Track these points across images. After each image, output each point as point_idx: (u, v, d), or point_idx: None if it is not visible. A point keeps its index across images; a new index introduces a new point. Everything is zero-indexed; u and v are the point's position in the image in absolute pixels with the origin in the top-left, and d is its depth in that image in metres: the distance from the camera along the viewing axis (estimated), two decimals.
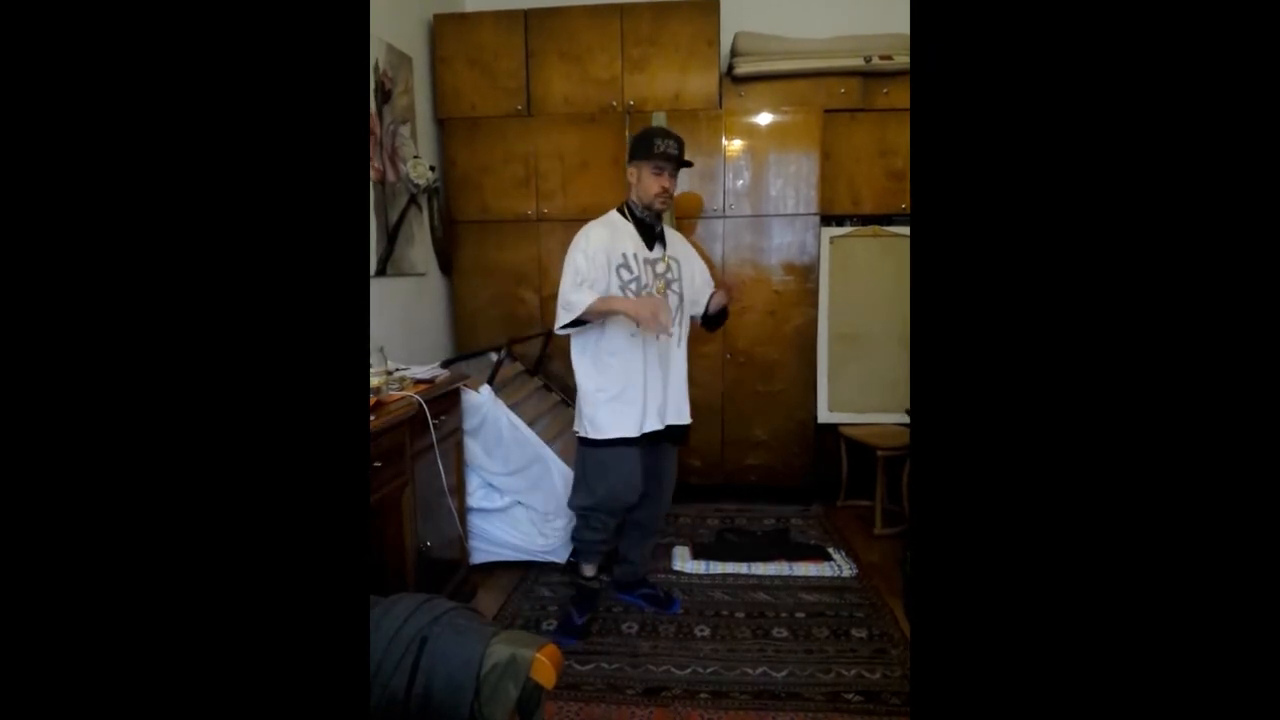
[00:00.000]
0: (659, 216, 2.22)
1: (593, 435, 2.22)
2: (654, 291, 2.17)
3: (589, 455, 2.27)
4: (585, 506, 2.32)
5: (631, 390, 2.17)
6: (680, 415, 2.31)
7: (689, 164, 2.22)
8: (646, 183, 2.16)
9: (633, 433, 2.19)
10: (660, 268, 2.21)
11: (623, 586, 2.52)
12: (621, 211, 2.24)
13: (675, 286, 2.24)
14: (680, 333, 2.26)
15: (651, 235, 2.21)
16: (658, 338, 2.14)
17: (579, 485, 2.34)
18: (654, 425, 2.22)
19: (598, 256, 2.10)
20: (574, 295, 2.04)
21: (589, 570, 2.42)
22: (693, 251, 2.38)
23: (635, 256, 2.15)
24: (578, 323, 2.08)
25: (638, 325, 2.04)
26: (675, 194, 2.24)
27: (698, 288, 2.34)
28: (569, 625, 2.29)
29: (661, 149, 2.12)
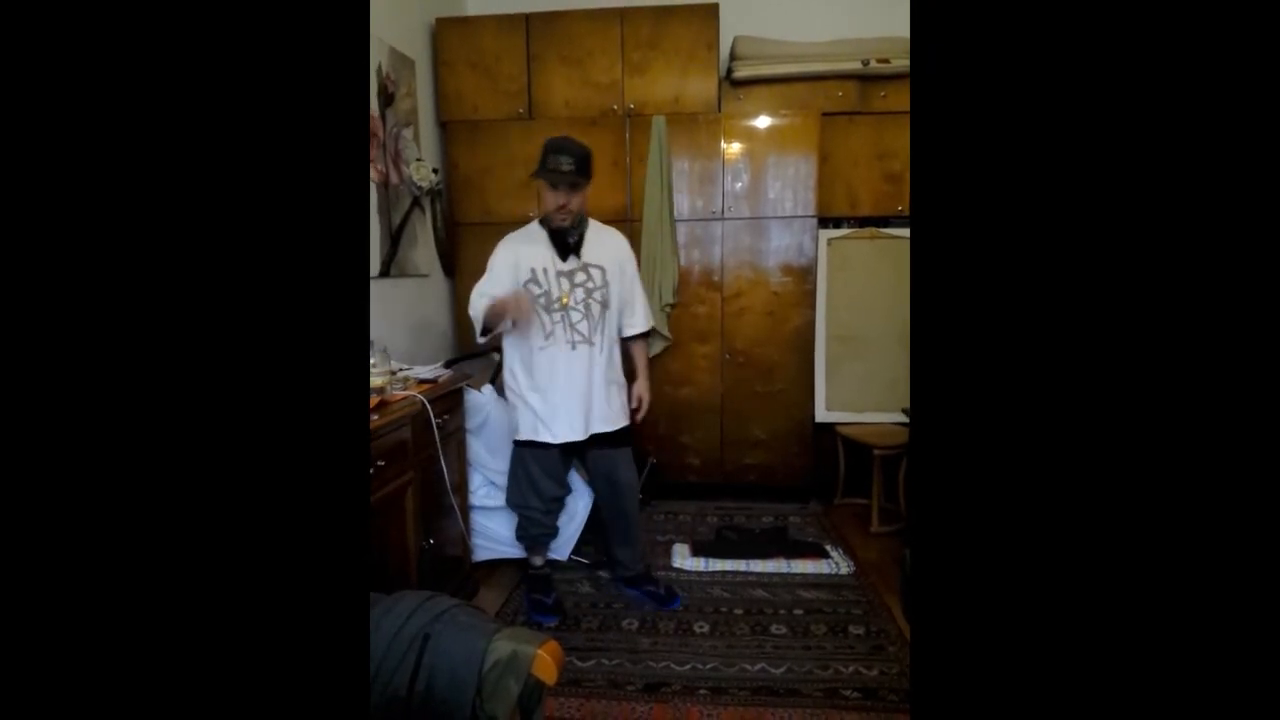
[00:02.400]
0: (573, 228, 2.22)
1: (514, 435, 2.40)
2: (570, 303, 2.22)
3: (514, 452, 2.44)
4: (515, 504, 2.46)
5: (550, 398, 2.26)
6: (606, 423, 2.33)
7: (586, 179, 2.19)
8: (544, 199, 2.20)
9: (547, 439, 2.29)
10: (579, 278, 2.23)
11: (627, 581, 2.55)
12: (541, 222, 2.27)
13: (597, 294, 2.25)
14: (603, 341, 2.28)
15: (566, 245, 2.24)
16: (546, 338, 2.22)
17: (511, 481, 2.48)
18: (573, 435, 2.28)
19: (501, 271, 2.24)
20: (472, 308, 2.21)
21: (538, 560, 2.54)
22: (625, 256, 2.35)
23: (545, 271, 2.22)
24: (488, 331, 2.21)
25: (511, 323, 2.13)
26: (580, 207, 2.21)
27: (625, 291, 2.34)
28: (542, 607, 2.40)
29: (552, 165, 2.13)
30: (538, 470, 2.37)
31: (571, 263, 2.24)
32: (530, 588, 2.51)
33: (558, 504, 2.48)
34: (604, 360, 2.30)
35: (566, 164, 2.13)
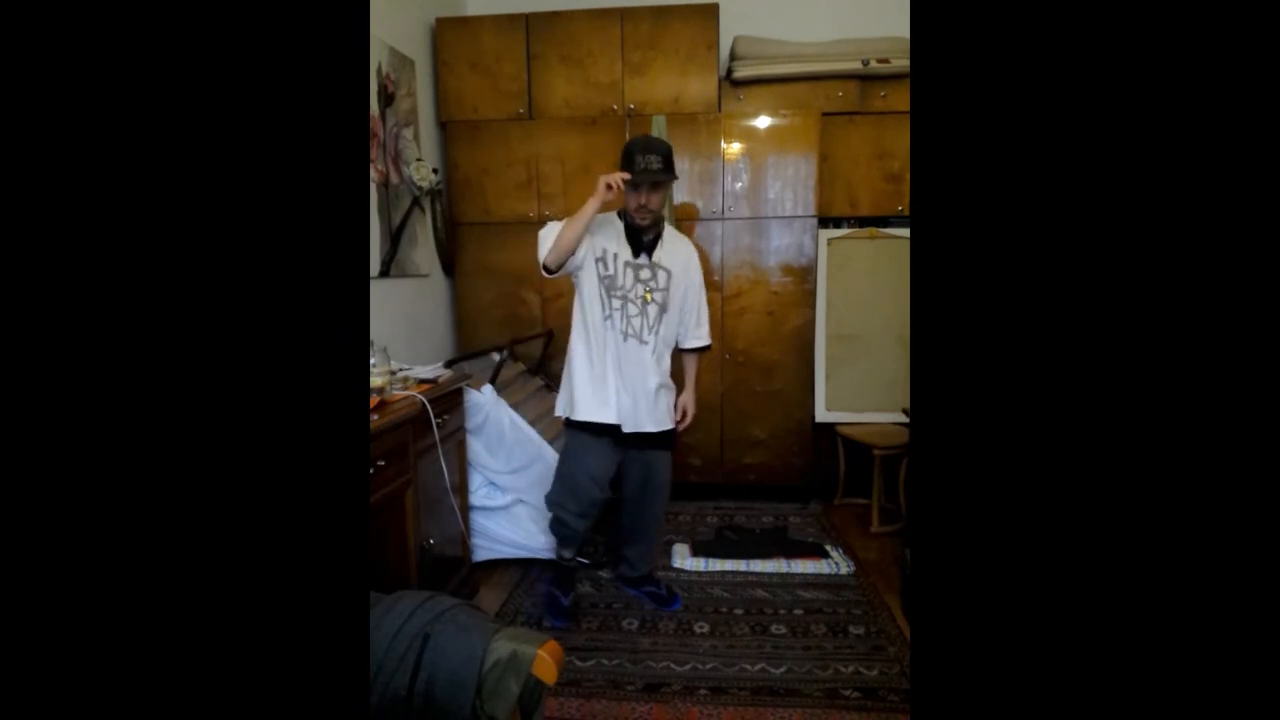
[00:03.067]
0: (650, 227, 2.23)
1: (568, 415, 2.33)
2: (630, 296, 2.22)
3: (566, 444, 2.38)
4: (551, 500, 2.41)
5: (604, 378, 2.25)
6: (653, 423, 2.29)
7: (673, 177, 2.22)
8: (627, 198, 2.19)
9: (601, 418, 2.25)
10: (644, 274, 2.23)
11: (628, 581, 2.56)
12: (620, 213, 2.29)
13: (657, 296, 2.25)
14: (654, 341, 2.26)
15: (639, 243, 2.24)
16: (605, 318, 2.21)
17: (556, 478, 2.43)
18: (614, 419, 2.26)
19: (581, 238, 2.17)
20: (543, 239, 2.17)
21: (567, 553, 2.48)
22: (693, 266, 2.35)
23: (615, 257, 2.22)
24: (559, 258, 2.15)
25: (608, 190, 2.04)
26: (661, 205, 2.21)
27: (686, 305, 2.34)
28: (556, 606, 2.38)
29: (641, 166, 2.13)
30: (582, 471, 2.30)
31: (643, 259, 2.24)
32: (554, 579, 2.48)
33: (593, 509, 2.37)
34: (654, 361, 2.27)
35: (656, 163, 2.13)
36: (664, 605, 2.45)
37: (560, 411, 2.38)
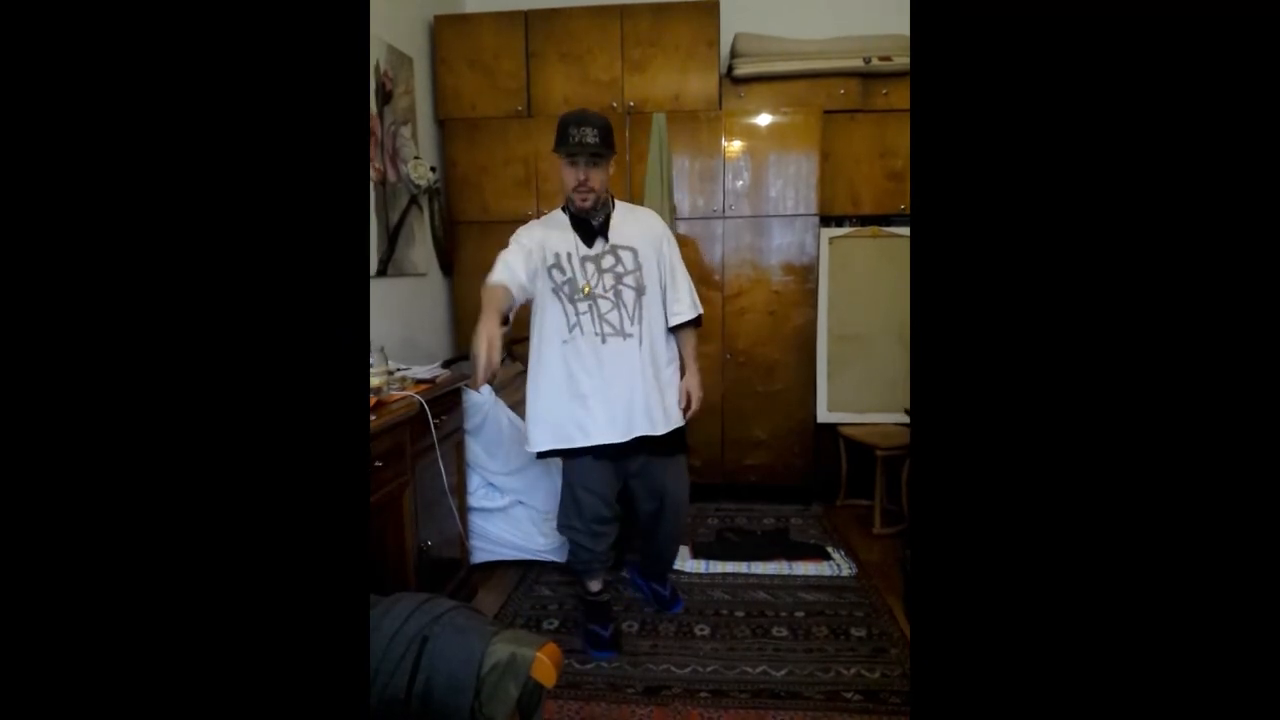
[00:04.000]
0: (597, 209, 2.02)
1: (531, 448, 2.15)
2: (597, 293, 2.01)
3: (563, 466, 2.21)
4: (561, 525, 2.26)
5: (582, 397, 2.04)
6: (653, 425, 2.07)
7: (610, 151, 1.97)
8: (564, 176, 1.99)
9: (581, 442, 2.05)
10: (606, 262, 2.02)
11: (641, 572, 2.49)
12: (564, 208, 2.09)
13: (628, 279, 2.03)
14: (642, 331, 2.05)
15: (590, 230, 2.03)
16: (570, 330, 2.00)
17: (560, 500, 2.26)
18: (612, 437, 2.04)
19: (527, 243, 1.97)
20: (494, 269, 1.90)
21: (594, 586, 2.29)
22: (659, 235, 2.12)
23: (569, 256, 2.01)
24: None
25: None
26: (602, 184, 1.99)
27: (666, 274, 2.12)
28: (599, 641, 2.16)
29: (575, 138, 1.91)
30: (580, 485, 2.12)
31: (598, 246, 2.03)
32: (587, 616, 2.25)
33: (606, 528, 2.19)
34: (646, 354, 2.05)
35: (590, 135, 1.91)
36: (665, 607, 2.42)
37: (536, 447, 2.13)
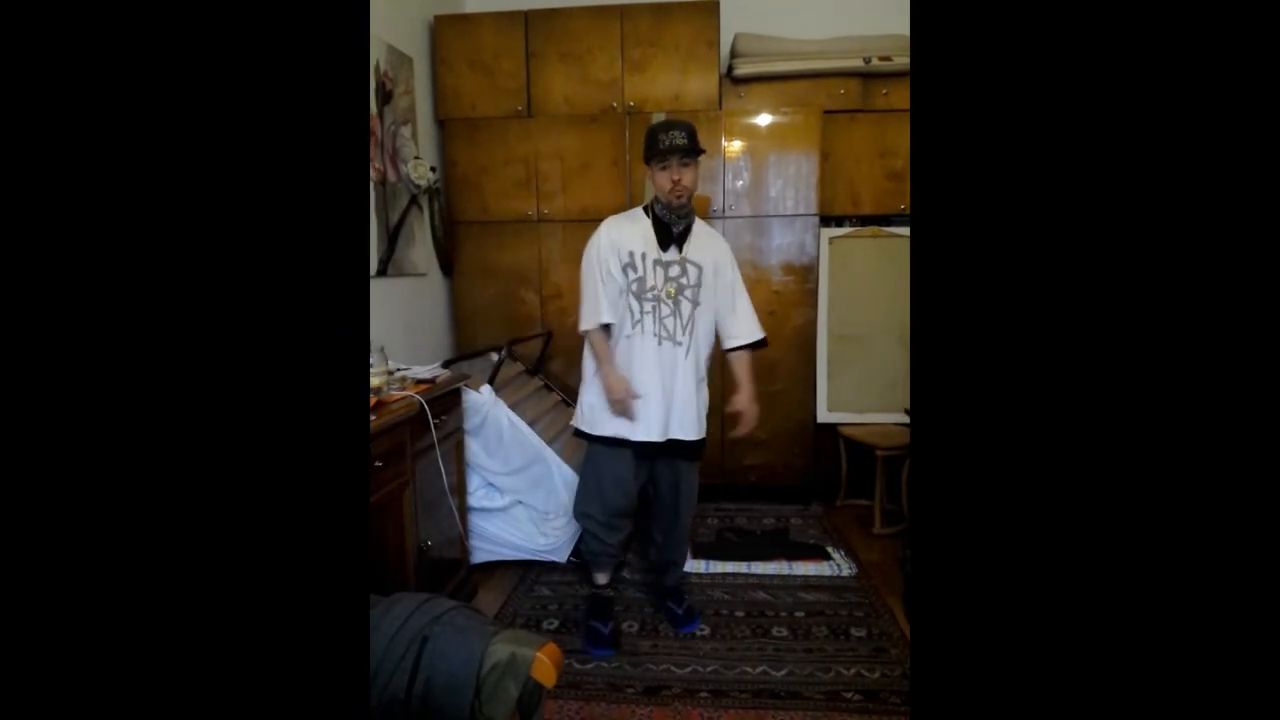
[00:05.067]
0: (681, 217, 2.11)
1: (584, 428, 2.24)
2: (661, 296, 2.10)
3: (589, 452, 2.29)
4: (578, 512, 2.32)
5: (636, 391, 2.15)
6: (686, 431, 2.17)
7: (699, 150, 2.06)
8: (658, 181, 2.07)
9: (625, 435, 2.15)
10: (674, 271, 2.11)
11: (660, 591, 2.45)
12: (646, 209, 2.17)
13: (689, 293, 2.12)
14: (691, 342, 2.14)
15: (669, 236, 2.12)
16: (634, 326, 2.13)
17: (580, 486, 2.35)
18: (651, 435, 2.14)
19: (605, 260, 2.11)
20: (585, 316, 2.14)
21: (601, 579, 2.36)
22: (726, 262, 2.20)
23: (643, 256, 2.10)
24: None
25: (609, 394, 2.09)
26: (694, 183, 2.08)
27: (723, 297, 2.19)
28: (598, 638, 2.20)
29: (666, 144, 2.02)
30: (609, 476, 2.20)
31: (671, 254, 2.12)
32: (589, 612, 2.31)
33: (623, 521, 2.28)
34: (690, 364, 2.14)
35: (680, 137, 2.01)
36: (678, 625, 2.32)
37: (596, 429, 2.21)
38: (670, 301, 2.11)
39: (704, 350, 2.20)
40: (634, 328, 2.12)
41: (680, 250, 2.13)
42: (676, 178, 2.03)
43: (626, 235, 2.12)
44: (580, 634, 2.25)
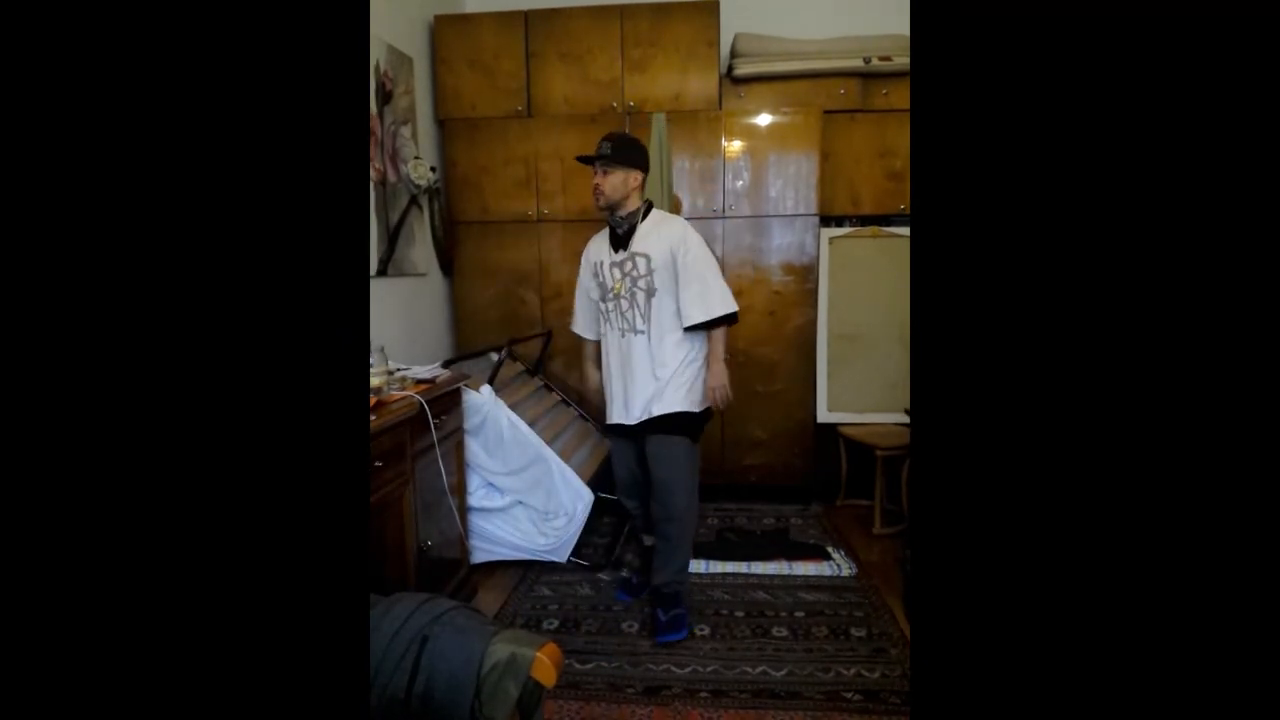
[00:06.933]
0: (622, 219, 2.28)
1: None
2: (620, 293, 2.30)
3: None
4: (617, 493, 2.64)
5: (608, 382, 2.43)
6: (646, 409, 2.27)
7: (619, 159, 2.20)
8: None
9: (610, 420, 2.43)
10: (627, 267, 2.29)
11: (652, 593, 2.41)
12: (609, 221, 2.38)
13: (641, 283, 2.27)
14: (649, 328, 2.28)
15: (617, 239, 2.32)
16: (604, 324, 2.40)
17: None
18: (621, 418, 2.36)
19: (583, 275, 2.47)
20: (575, 313, 2.56)
21: (647, 540, 2.63)
22: (680, 244, 2.23)
23: (602, 264, 2.36)
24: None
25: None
26: (614, 192, 2.22)
27: (675, 276, 2.24)
28: (628, 586, 2.57)
29: (596, 150, 2.24)
30: (614, 457, 2.52)
31: (621, 254, 2.31)
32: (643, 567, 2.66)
33: (631, 489, 2.53)
34: (651, 347, 2.29)
35: (605, 147, 2.21)
36: (657, 633, 2.24)
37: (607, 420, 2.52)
38: (627, 295, 2.30)
39: (670, 334, 2.28)
40: (604, 325, 2.40)
41: (628, 248, 2.30)
42: (596, 182, 2.25)
43: (595, 248, 2.41)
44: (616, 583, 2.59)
